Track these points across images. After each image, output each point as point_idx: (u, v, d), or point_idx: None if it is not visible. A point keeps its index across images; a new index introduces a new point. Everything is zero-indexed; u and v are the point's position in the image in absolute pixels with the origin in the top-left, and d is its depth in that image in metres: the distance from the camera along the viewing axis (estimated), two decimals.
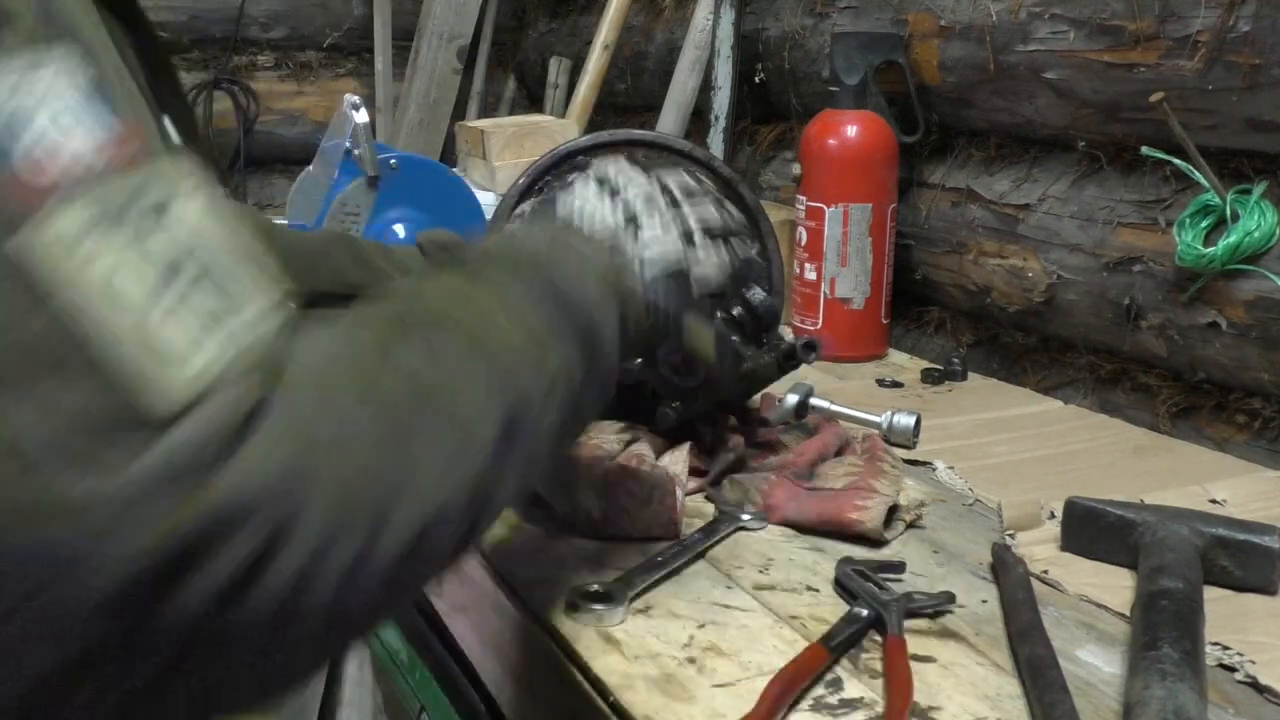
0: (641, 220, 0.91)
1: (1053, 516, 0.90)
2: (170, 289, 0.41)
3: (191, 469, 0.40)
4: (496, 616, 0.79)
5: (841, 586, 0.78)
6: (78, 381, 0.38)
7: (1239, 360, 1.10)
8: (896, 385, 1.30)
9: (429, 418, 0.49)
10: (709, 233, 0.95)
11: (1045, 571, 0.82)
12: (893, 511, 0.87)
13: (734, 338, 0.92)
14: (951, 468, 1.02)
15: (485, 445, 0.52)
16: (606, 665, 0.67)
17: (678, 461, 0.90)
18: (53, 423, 0.38)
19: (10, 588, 0.38)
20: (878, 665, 0.69)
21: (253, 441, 0.41)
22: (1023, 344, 1.40)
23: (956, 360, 1.34)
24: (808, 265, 1.40)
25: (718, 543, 0.84)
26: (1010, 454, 1.07)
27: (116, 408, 0.39)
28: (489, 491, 0.53)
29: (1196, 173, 1.10)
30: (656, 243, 0.90)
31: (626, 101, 2.26)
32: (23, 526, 0.38)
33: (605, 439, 0.94)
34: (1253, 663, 0.70)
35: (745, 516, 0.88)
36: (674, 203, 0.95)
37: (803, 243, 1.41)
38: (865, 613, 0.73)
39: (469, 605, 0.87)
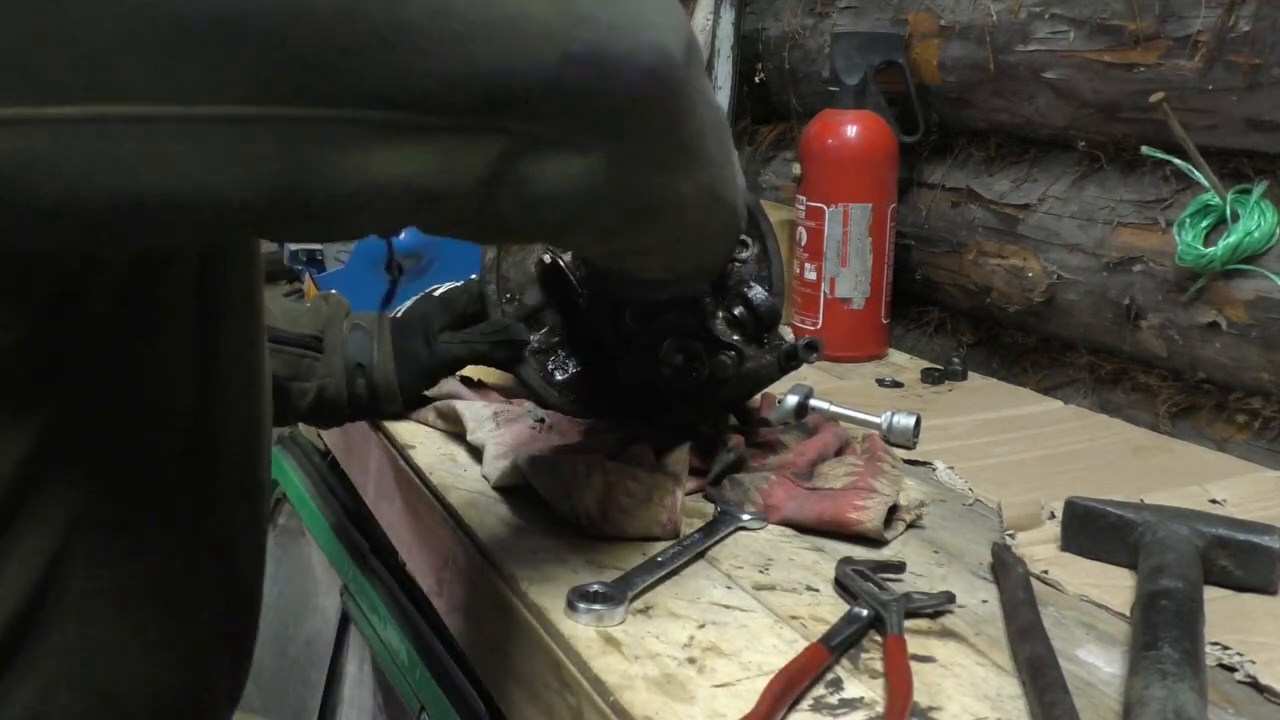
0: None
1: (1053, 516, 0.90)
2: None
3: None
4: (496, 616, 0.79)
5: (841, 586, 0.78)
6: None
7: (1239, 360, 1.10)
8: (896, 385, 1.30)
9: None
10: None
11: (1045, 571, 0.82)
12: (893, 511, 0.87)
13: (735, 338, 0.92)
14: (951, 468, 1.02)
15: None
16: (606, 665, 0.67)
17: (678, 461, 0.90)
18: None
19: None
20: (878, 665, 0.69)
21: None
22: (1023, 344, 1.40)
23: (956, 360, 1.34)
24: (808, 265, 1.40)
25: (718, 543, 0.84)
26: (1010, 454, 1.07)
27: None
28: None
29: (1196, 173, 1.10)
30: None
31: None
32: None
33: (605, 439, 0.94)
34: (1253, 663, 0.70)
35: (745, 516, 0.88)
36: None
37: (803, 243, 1.41)
38: (865, 613, 0.73)
39: (469, 605, 0.87)
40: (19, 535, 0.57)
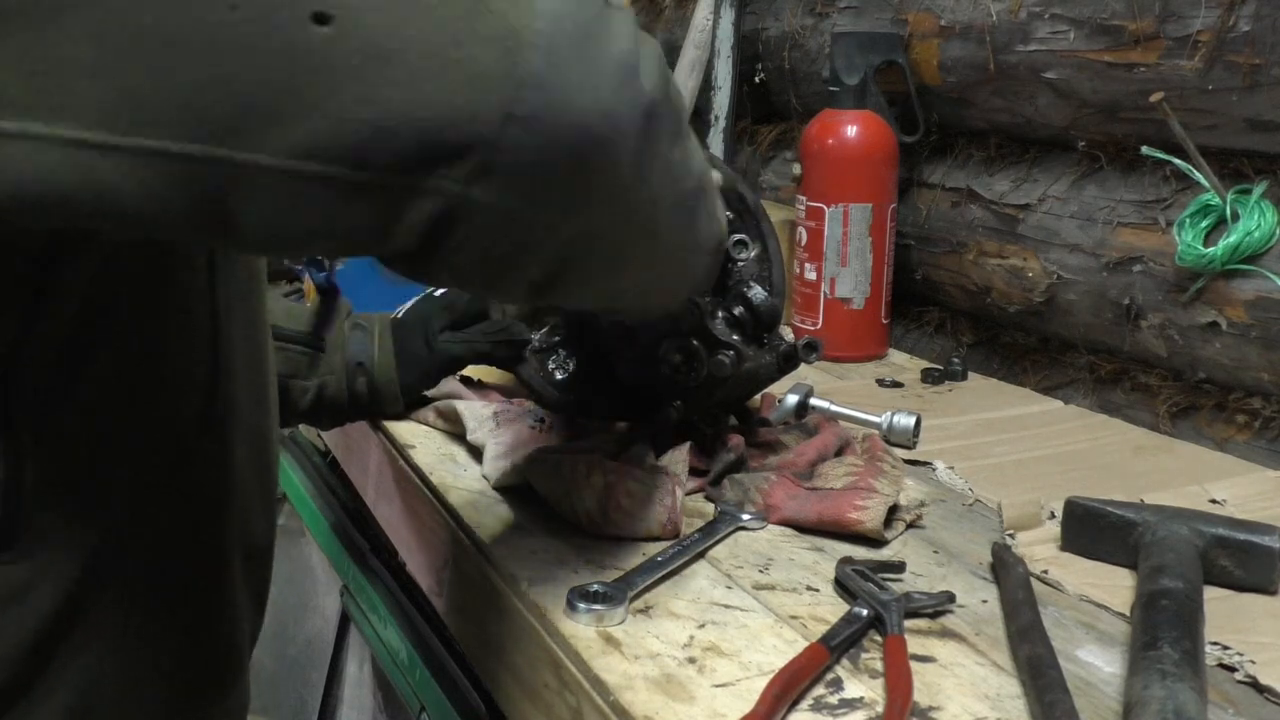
0: None
1: (1053, 516, 0.90)
2: None
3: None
4: (496, 616, 0.79)
5: (841, 586, 0.78)
6: None
7: (1239, 360, 1.10)
8: (896, 385, 1.30)
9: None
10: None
11: (1045, 571, 0.82)
12: (893, 511, 0.87)
13: (734, 338, 0.92)
14: (951, 468, 1.02)
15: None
16: (606, 665, 0.67)
17: (678, 461, 0.90)
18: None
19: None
20: (878, 665, 0.69)
21: None
22: (1023, 344, 1.40)
23: (956, 360, 1.34)
24: (808, 265, 1.40)
25: (718, 543, 0.84)
26: (1010, 454, 1.07)
27: None
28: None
29: (1196, 173, 1.10)
30: None
31: None
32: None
33: (605, 439, 0.94)
34: (1253, 663, 0.70)
35: (745, 516, 0.88)
36: None
37: (803, 243, 1.41)
38: (865, 613, 0.73)
39: (469, 605, 0.87)
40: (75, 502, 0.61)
